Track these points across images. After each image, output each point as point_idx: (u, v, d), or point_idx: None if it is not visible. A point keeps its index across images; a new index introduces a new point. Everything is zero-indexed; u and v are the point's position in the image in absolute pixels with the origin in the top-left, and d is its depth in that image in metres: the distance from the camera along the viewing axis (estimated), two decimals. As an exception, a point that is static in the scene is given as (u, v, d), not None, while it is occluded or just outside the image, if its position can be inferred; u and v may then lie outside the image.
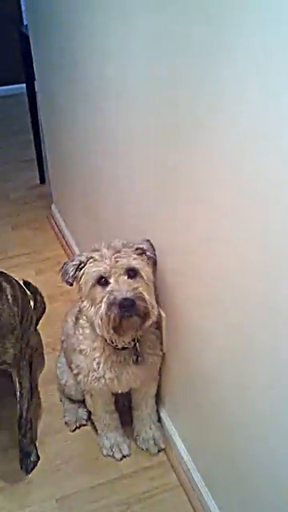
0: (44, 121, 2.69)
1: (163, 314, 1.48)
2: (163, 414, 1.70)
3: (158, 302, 1.47)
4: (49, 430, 1.82)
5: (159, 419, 1.71)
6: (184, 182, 1.16)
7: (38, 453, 1.73)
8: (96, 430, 1.75)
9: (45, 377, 2.03)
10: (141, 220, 1.51)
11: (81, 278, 1.37)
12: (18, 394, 1.67)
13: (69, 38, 1.80)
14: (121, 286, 1.26)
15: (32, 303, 2.07)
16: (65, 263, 1.42)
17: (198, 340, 1.29)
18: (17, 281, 1.78)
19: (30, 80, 3.12)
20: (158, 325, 1.52)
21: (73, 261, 1.39)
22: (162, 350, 1.55)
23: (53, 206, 2.98)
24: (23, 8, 4.73)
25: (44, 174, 3.44)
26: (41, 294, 2.18)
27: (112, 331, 1.29)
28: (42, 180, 3.47)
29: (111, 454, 1.70)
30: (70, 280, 1.39)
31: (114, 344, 1.42)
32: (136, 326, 1.30)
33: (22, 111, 4.66)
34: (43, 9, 2.07)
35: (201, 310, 1.23)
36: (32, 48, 2.49)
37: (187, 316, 1.33)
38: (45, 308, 2.19)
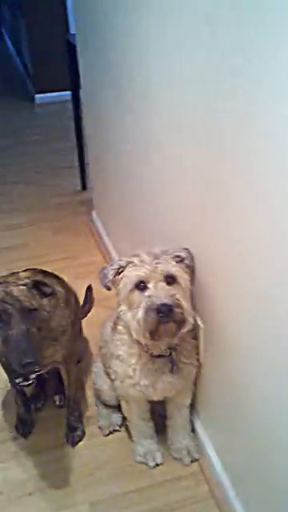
0: (88, 128, 2.73)
1: (201, 325, 1.48)
2: (197, 425, 1.70)
3: (196, 312, 1.48)
4: (86, 434, 1.84)
5: (193, 429, 1.71)
6: (227, 194, 1.16)
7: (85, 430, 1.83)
8: (130, 436, 1.76)
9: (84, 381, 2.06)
10: (182, 229, 1.52)
11: (120, 283, 1.38)
12: (66, 383, 1.76)
13: (117, 49, 1.83)
14: (159, 292, 1.28)
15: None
16: (104, 267, 1.44)
17: (236, 351, 1.29)
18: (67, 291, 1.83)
19: (75, 88, 3.18)
20: (194, 335, 1.53)
21: (112, 265, 1.41)
22: (198, 360, 1.55)
23: (93, 213, 3.03)
24: (70, 17, 4.82)
25: (86, 181, 3.49)
26: (92, 300, 2.26)
27: (148, 336, 1.30)
28: (84, 186, 3.52)
29: (144, 460, 1.71)
30: (108, 284, 1.41)
31: (150, 351, 1.44)
32: (172, 332, 1.31)
33: (66, 118, 4.76)
34: (91, 20, 2.12)
35: (240, 322, 1.23)
36: (79, 57, 2.54)
37: (226, 327, 1.33)
38: (89, 311, 2.26)
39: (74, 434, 1.81)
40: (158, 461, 1.71)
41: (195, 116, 1.25)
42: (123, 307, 1.37)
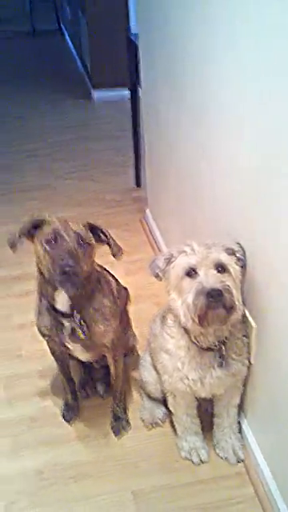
0: (145, 127, 2.76)
1: (254, 325, 1.48)
2: (244, 426, 1.70)
3: (249, 311, 1.48)
4: (131, 426, 1.88)
5: (240, 430, 1.71)
6: (281, 196, 1.16)
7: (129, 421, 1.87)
8: (175, 432, 1.78)
9: (131, 373, 2.09)
10: (238, 228, 1.52)
11: (170, 271, 1.41)
12: (113, 373, 1.80)
13: (179, 49, 1.85)
14: (209, 278, 1.30)
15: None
16: (155, 257, 1.48)
17: (289, 354, 1.29)
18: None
19: (134, 86, 3.21)
20: (245, 332, 1.53)
21: (164, 254, 1.44)
22: (249, 360, 1.55)
23: (147, 210, 3.06)
24: (131, 15, 4.86)
25: (140, 179, 3.53)
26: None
27: (197, 321, 1.31)
28: (138, 184, 3.56)
29: (189, 457, 1.73)
30: (159, 273, 1.44)
31: (199, 344, 1.45)
32: (221, 318, 1.32)
33: (123, 116, 4.82)
34: (154, 19, 2.14)
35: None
36: (141, 57, 2.57)
37: (279, 328, 1.32)
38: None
39: (119, 424, 1.85)
40: (203, 458, 1.72)
41: (254, 115, 1.25)
42: (173, 295, 1.39)
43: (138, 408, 1.92)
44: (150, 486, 1.67)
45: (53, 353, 1.79)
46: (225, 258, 1.35)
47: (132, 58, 3.01)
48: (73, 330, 1.58)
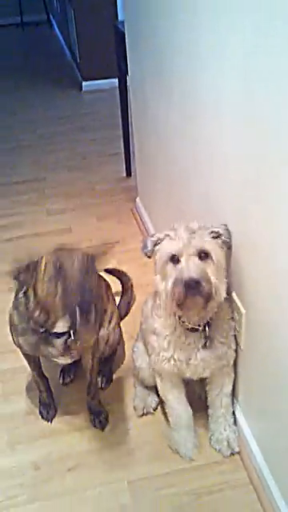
0: (134, 116, 2.75)
1: (243, 310, 1.48)
2: (237, 412, 1.70)
3: (238, 297, 1.48)
4: (124, 415, 1.88)
5: (235, 421, 1.70)
6: (272, 185, 1.16)
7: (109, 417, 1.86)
8: (168, 421, 1.78)
9: (123, 365, 2.09)
10: (227, 216, 1.52)
11: (156, 254, 1.44)
12: (89, 367, 1.77)
13: (167, 35, 1.83)
14: (189, 266, 1.32)
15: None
16: (145, 238, 1.51)
17: (279, 338, 1.29)
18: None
19: (122, 75, 3.19)
20: (233, 315, 1.54)
21: (152, 236, 1.48)
22: (238, 343, 1.56)
23: (137, 200, 3.05)
24: (118, 4, 4.82)
25: (130, 168, 3.51)
26: (132, 286, 2.32)
27: (175, 307, 1.35)
28: (128, 173, 3.54)
29: (177, 449, 1.72)
30: (148, 253, 1.48)
31: (185, 324, 1.47)
32: (199, 305, 1.35)
33: (113, 105, 4.79)
34: (141, 7, 2.12)
35: (284, 307, 1.23)
36: (127, 45, 2.55)
37: (269, 312, 1.32)
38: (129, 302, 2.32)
39: (99, 417, 1.84)
40: (190, 454, 1.71)
41: (243, 102, 1.24)
42: (158, 277, 1.43)
43: (131, 397, 1.92)
44: (144, 474, 1.67)
45: (25, 355, 1.76)
46: (208, 244, 1.36)
47: (119, 47, 2.98)
48: (64, 346, 1.55)
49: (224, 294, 1.38)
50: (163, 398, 1.73)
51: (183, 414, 1.72)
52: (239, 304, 1.50)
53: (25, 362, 2.07)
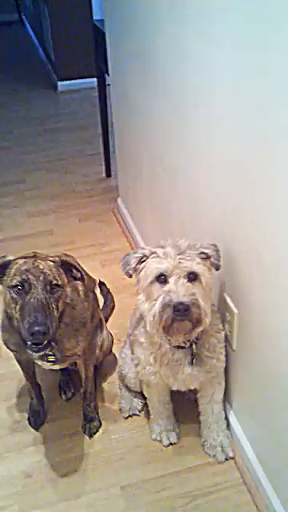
0: (115, 115, 2.72)
1: (236, 311, 1.48)
2: (230, 413, 1.69)
3: (230, 297, 1.47)
4: (114, 419, 1.86)
5: (228, 426, 1.69)
6: (261, 183, 1.15)
7: (101, 420, 1.83)
8: (149, 416, 1.78)
9: (111, 367, 2.07)
10: (215, 217, 1.51)
11: (141, 271, 1.37)
12: (84, 377, 1.76)
13: (148, 33, 1.82)
14: (179, 289, 1.26)
15: (102, 302, 2.16)
16: (127, 254, 1.43)
17: (272, 338, 1.28)
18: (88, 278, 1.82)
19: (101, 74, 3.16)
20: (220, 327, 1.52)
21: (136, 253, 1.40)
22: (231, 346, 1.55)
23: (119, 200, 3.02)
24: (93, 2, 4.78)
25: (110, 168, 3.49)
26: (111, 294, 2.29)
27: (162, 330, 1.30)
28: (108, 174, 3.52)
29: (159, 438, 1.74)
30: (130, 272, 1.40)
31: (169, 342, 1.43)
32: (186, 330, 1.30)
33: (89, 106, 4.76)
34: (121, 4, 2.10)
35: (277, 307, 1.22)
36: (108, 44, 2.52)
37: (262, 312, 1.32)
38: (114, 307, 2.28)
39: (91, 424, 1.81)
40: (172, 440, 1.73)
41: (233, 101, 1.24)
42: (141, 297, 1.36)
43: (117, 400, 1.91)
44: (137, 478, 1.65)
45: (18, 361, 1.73)
46: (197, 267, 1.31)
47: (98, 46, 2.95)
48: (42, 356, 1.51)
49: (209, 320, 1.33)
50: (147, 397, 1.72)
51: (164, 410, 1.73)
52: (231, 305, 1.49)
53: (12, 368, 2.04)
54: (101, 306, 2.14)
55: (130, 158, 2.53)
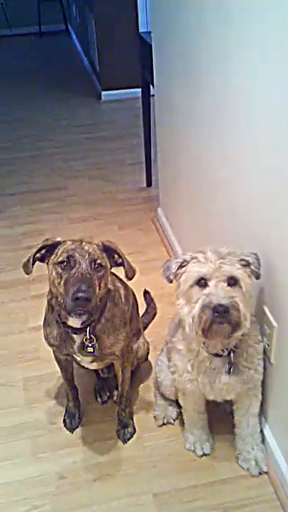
0: (158, 126, 2.75)
1: (275, 324, 1.47)
2: (265, 427, 1.68)
3: (269, 309, 1.47)
4: (148, 426, 1.87)
5: (263, 440, 1.68)
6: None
7: (135, 426, 1.85)
8: (183, 425, 1.78)
9: (146, 374, 2.08)
10: (256, 230, 1.51)
11: (181, 276, 1.39)
12: (120, 380, 1.78)
13: (195, 47, 1.84)
14: (218, 291, 1.27)
15: (144, 309, 2.24)
16: (168, 260, 1.46)
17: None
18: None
19: (145, 85, 3.21)
20: (260, 339, 1.52)
21: (177, 258, 1.43)
22: (269, 360, 1.54)
23: (159, 210, 3.05)
24: (140, 14, 4.86)
25: (151, 178, 3.52)
26: (154, 302, 2.33)
27: (200, 333, 1.30)
28: (149, 183, 3.55)
29: (193, 448, 1.74)
30: (170, 276, 1.42)
31: (208, 350, 1.44)
32: (225, 333, 1.31)
33: (131, 115, 4.82)
34: (169, 17, 2.13)
35: None
36: (154, 55, 2.56)
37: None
38: (155, 314, 2.33)
39: (125, 430, 1.83)
40: (206, 450, 1.73)
41: (276, 113, 1.24)
42: (181, 301, 1.38)
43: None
44: (170, 486, 1.66)
45: (58, 361, 1.78)
46: (237, 272, 1.32)
47: (144, 57, 3.00)
48: (82, 345, 1.55)
49: (249, 325, 1.34)
50: (183, 406, 1.72)
51: (199, 420, 1.73)
52: (271, 318, 1.49)
53: (49, 370, 2.08)
54: (141, 314, 2.17)
55: (172, 169, 2.56)
